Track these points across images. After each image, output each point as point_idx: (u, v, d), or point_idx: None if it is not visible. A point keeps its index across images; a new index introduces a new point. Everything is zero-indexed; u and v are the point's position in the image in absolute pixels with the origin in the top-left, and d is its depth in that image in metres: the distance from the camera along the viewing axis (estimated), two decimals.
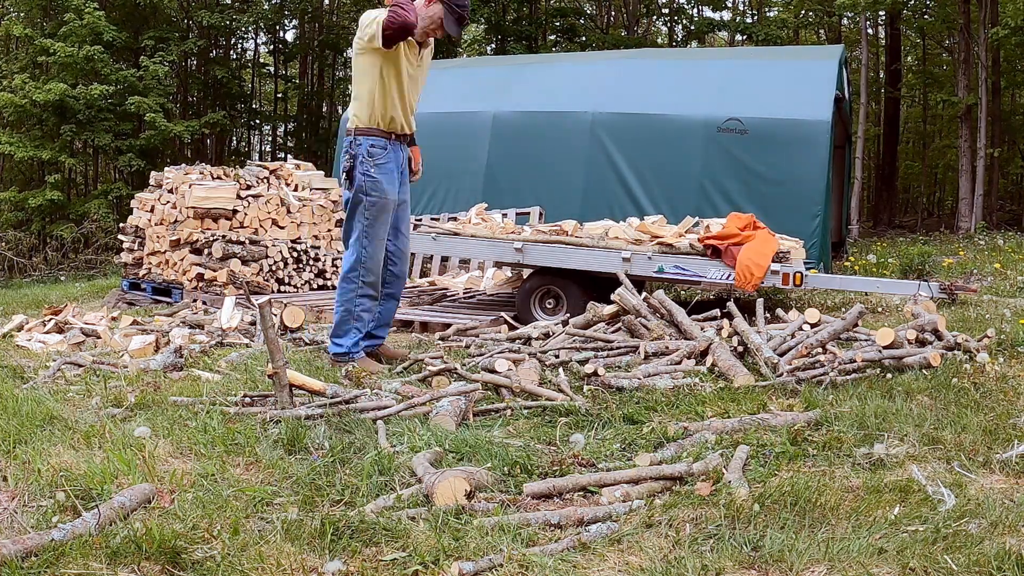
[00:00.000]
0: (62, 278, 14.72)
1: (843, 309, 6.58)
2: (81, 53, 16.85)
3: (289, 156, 23.12)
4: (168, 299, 8.24)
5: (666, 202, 9.80)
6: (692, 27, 23.71)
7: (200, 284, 8.00)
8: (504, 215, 8.70)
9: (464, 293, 8.13)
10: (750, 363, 4.57)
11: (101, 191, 18.51)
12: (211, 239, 8.04)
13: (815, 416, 3.54)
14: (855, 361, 4.35)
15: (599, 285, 6.51)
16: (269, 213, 8.58)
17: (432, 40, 4.75)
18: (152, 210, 8.79)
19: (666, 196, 9.93)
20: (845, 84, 12.19)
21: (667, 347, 4.81)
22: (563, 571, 2.23)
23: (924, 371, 4.30)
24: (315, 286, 8.55)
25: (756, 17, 26.11)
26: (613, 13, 26.91)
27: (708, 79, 10.76)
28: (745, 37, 22.44)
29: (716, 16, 25.33)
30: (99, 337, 5.66)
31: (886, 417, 3.51)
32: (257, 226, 8.48)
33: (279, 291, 8.17)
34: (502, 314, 6.60)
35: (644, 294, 5.61)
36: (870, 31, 24.12)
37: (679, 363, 4.56)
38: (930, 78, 24.50)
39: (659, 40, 26.53)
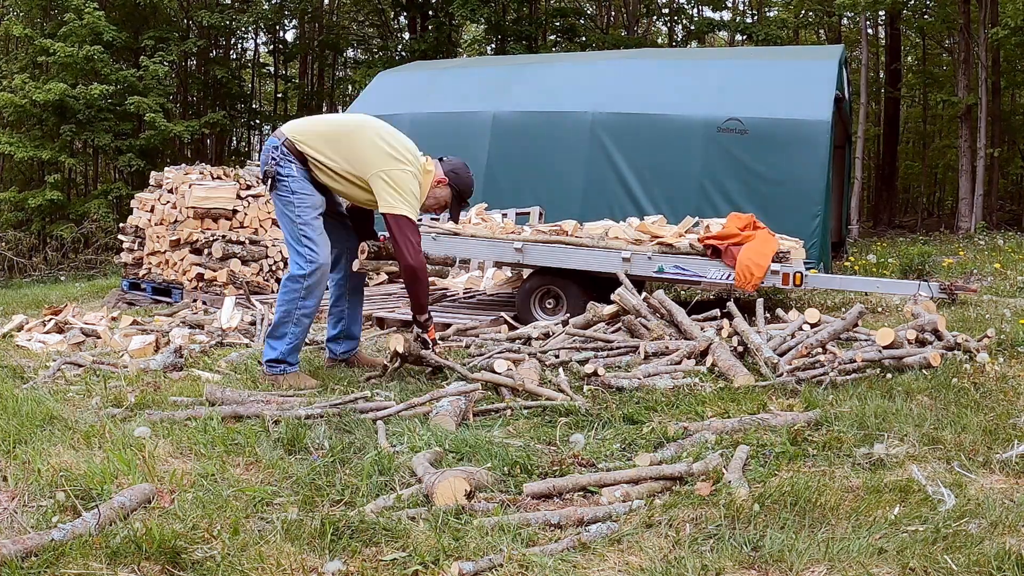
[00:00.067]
0: (62, 278, 14.73)
1: (843, 309, 6.58)
2: (81, 53, 16.86)
3: None
4: (168, 299, 8.24)
5: (666, 202, 9.80)
6: (692, 27, 23.71)
7: (200, 284, 8.00)
8: (504, 215, 8.70)
9: (464, 293, 8.13)
10: (750, 363, 4.57)
11: (101, 191, 18.53)
12: (211, 239, 8.04)
13: (815, 416, 3.54)
14: (855, 361, 4.34)
15: (599, 285, 6.51)
16: (269, 213, 8.58)
17: None
18: (152, 210, 8.80)
19: (666, 196, 9.93)
20: (845, 84, 12.19)
21: (667, 347, 4.81)
22: (563, 571, 2.23)
23: (924, 371, 4.30)
24: None
25: (756, 17, 26.12)
26: (613, 13, 26.93)
27: (708, 79, 10.76)
28: (745, 37, 22.44)
29: (716, 16, 25.35)
30: (99, 337, 5.66)
31: (886, 417, 3.51)
32: (257, 226, 8.48)
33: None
34: (502, 314, 6.60)
35: (644, 294, 5.61)
36: (870, 31, 24.14)
37: (679, 363, 4.56)
38: (930, 78, 24.52)
39: (659, 40, 26.54)
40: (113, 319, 6.65)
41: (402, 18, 25.85)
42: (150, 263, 8.71)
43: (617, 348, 4.93)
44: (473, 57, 22.64)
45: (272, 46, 25.56)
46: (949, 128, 23.66)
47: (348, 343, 4.80)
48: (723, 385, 4.16)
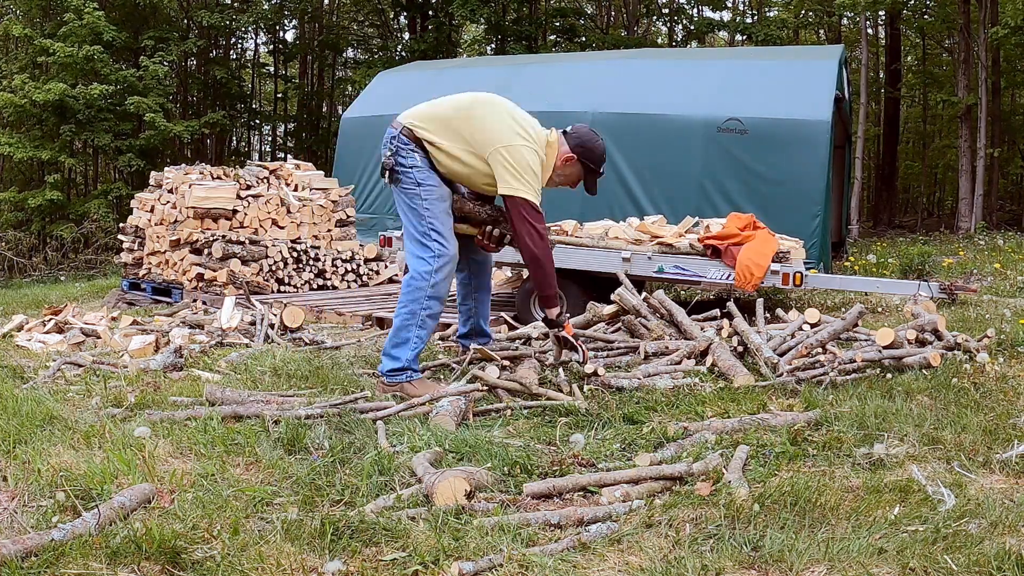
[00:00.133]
0: (62, 278, 14.73)
1: (843, 309, 6.58)
2: (81, 53, 16.86)
3: (289, 156, 23.16)
4: (168, 299, 8.24)
5: (666, 202, 9.81)
6: (692, 27, 23.71)
7: (200, 284, 8.00)
8: None
9: None
10: (750, 363, 4.57)
11: (101, 191, 18.52)
12: (211, 239, 8.04)
13: (815, 416, 3.54)
14: (855, 361, 4.35)
15: (599, 285, 6.51)
16: (269, 213, 8.58)
17: None
18: (152, 210, 8.80)
19: (666, 196, 9.93)
20: (845, 84, 12.19)
21: (667, 347, 4.81)
22: (563, 571, 2.23)
23: (924, 371, 4.30)
24: (315, 286, 8.55)
25: (756, 17, 26.11)
26: (613, 13, 26.93)
27: (708, 79, 10.77)
28: (745, 37, 22.44)
29: (716, 16, 25.35)
30: (99, 337, 5.66)
31: (886, 417, 3.51)
32: (257, 226, 8.48)
33: (279, 291, 8.16)
34: (502, 314, 6.60)
35: (644, 294, 5.61)
36: (870, 31, 24.14)
37: (679, 363, 4.56)
38: (930, 78, 24.52)
39: (659, 40, 26.54)
40: (113, 319, 6.64)
41: (402, 18, 25.86)
42: (150, 263, 8.71)
43: (617, 348, 4.93)
44: (473, 57, 22.64)
45: (272, 46, 25.56)
46: (949, 128, 23.66)
47: (480, 340, 4.70)
48: (723, 385, 4.16)
